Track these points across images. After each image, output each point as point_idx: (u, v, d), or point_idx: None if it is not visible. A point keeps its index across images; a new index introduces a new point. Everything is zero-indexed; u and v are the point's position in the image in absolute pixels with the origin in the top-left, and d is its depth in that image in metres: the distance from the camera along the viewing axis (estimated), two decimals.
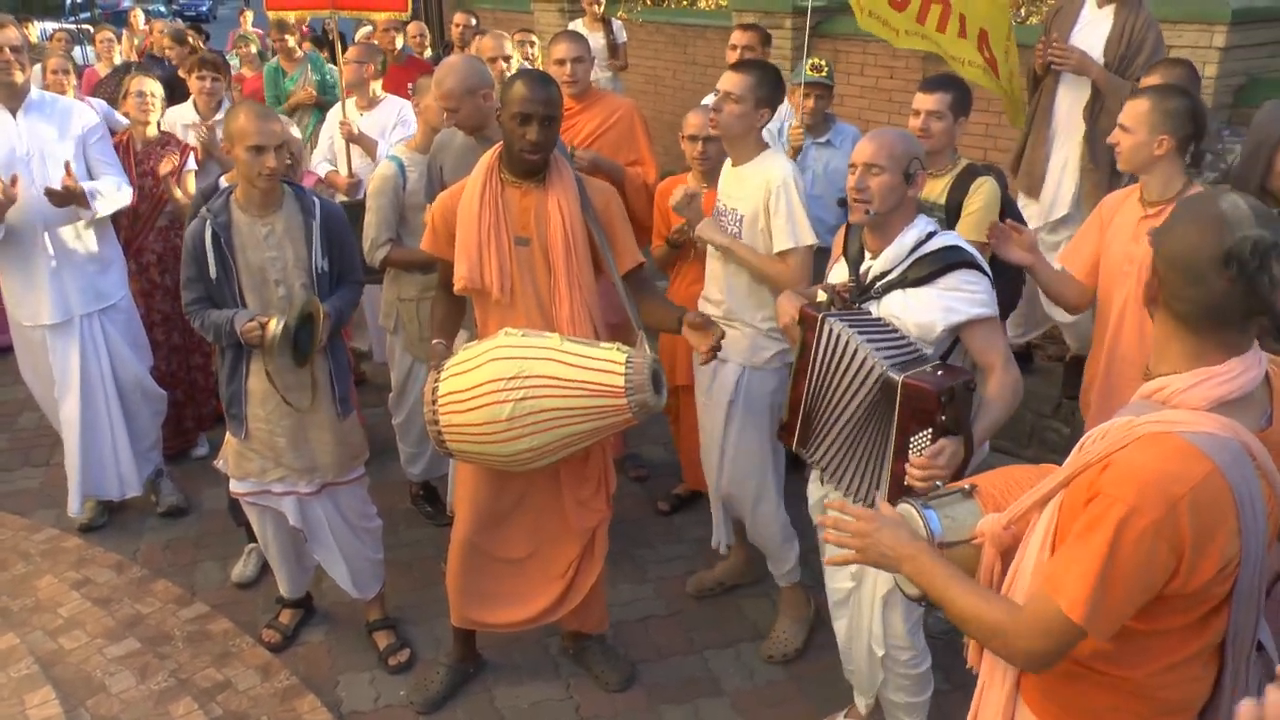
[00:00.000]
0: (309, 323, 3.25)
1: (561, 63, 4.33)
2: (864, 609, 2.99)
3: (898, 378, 2.54)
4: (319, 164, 5.18)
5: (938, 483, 2.25)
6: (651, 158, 4.47)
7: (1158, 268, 1.67)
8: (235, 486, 3.56)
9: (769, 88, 3.32)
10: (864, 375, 2.64)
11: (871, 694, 3.18)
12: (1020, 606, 1.72)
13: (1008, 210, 3.52)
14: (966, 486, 2.02)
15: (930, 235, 2.76)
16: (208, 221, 3.22)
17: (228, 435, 3.51)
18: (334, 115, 5.27)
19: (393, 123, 5.25)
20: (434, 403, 2.98)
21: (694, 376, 3.76)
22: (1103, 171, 4.47)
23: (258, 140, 3.11)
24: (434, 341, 3.16)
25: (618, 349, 2.93)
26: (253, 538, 4.00)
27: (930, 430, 2.53)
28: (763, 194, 3.32)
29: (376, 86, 5.38)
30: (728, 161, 3.50)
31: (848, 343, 2.67)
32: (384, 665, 3.69)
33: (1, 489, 4.94)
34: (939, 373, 2.56)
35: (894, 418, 2.58)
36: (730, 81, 3.32)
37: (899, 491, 2.70)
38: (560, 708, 3.50)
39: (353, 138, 5.03)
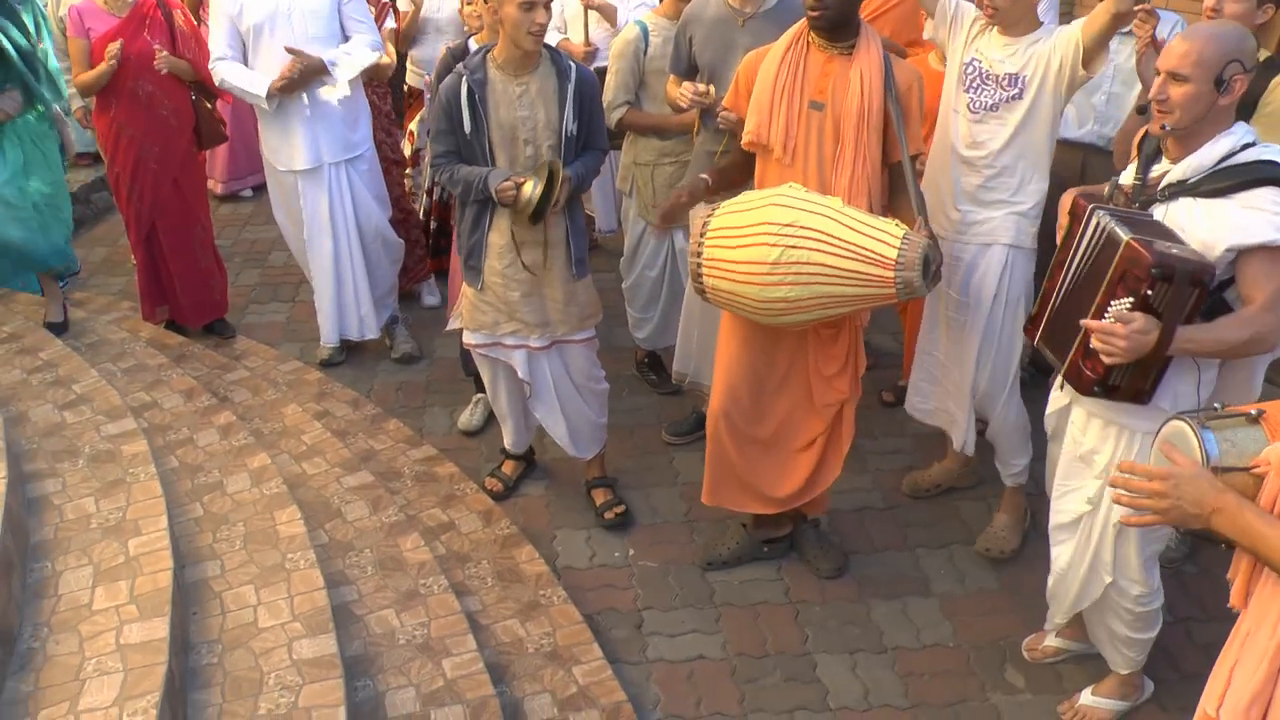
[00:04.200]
0: (549, 183, 3.26)
1: None
2: (1094, 534, 2.80)
3: (1125, 236, 2.32)
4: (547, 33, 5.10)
5: (1216, 405, 2.04)
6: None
7: None
8: (468, 338, 3.65)
9: None
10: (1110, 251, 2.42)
11: (1067, 615, 3.01)
12: None
13: None
14: (1253, 411, 1.85)
15: (1246, 146, 2.42)
16: (464, 78, 3.26)
17: (463, 287, 3.59)
18: None
19: None
20: (702, 234, 2.98)
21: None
22: None
23: None
24: (701, 177, 3.20)
25: (896, 224, 2.85)
26: (481, 388, 4.13)
27: (1131, 300, 2.34)
28: (1058, 59, 3.08)
29: None
30: (987, 28, 3.23)
31: (1112, 234, 2.43)
32: (600, 520, 3.78)
33: (254, 320, 5.28)
34: (1174, 249, 2.29)
35: (1106, 276, 2.39)
36: None
37: (1083, 349, 2.52)
38: (770, 588, 3.50)
39: (591, 4, 4.92)
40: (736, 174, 3.31)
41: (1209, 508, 1.73)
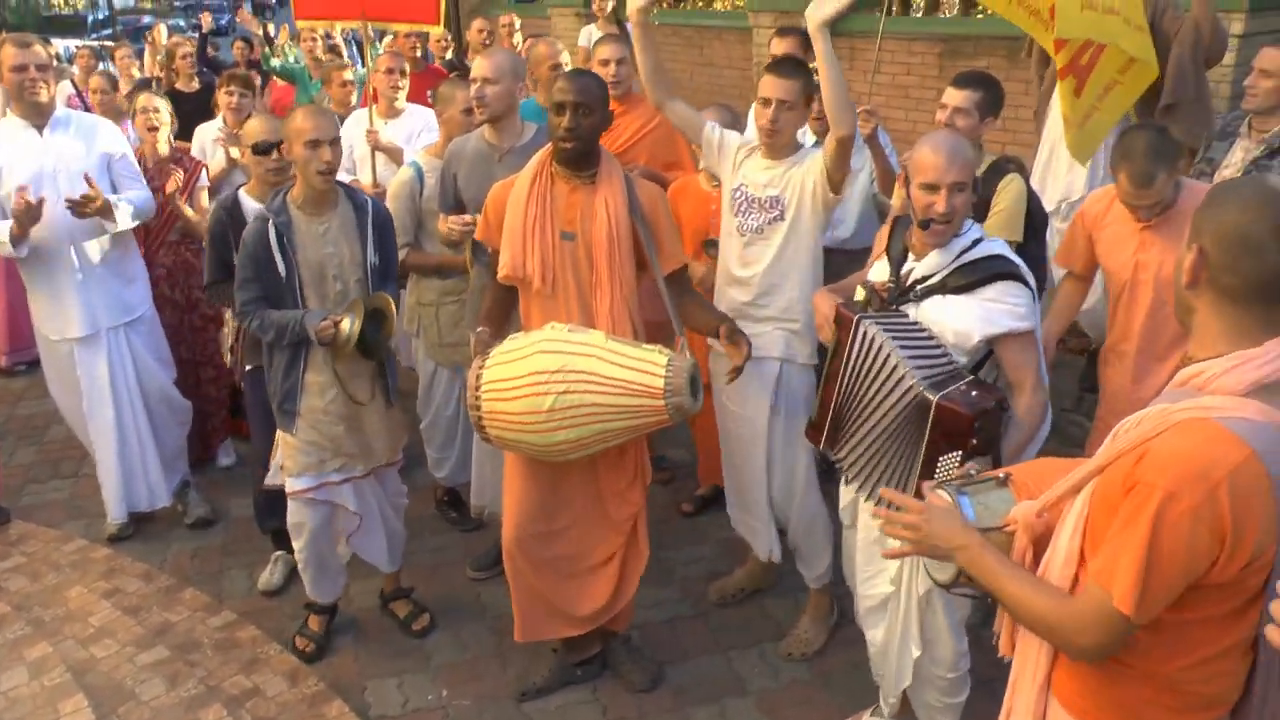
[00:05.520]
0: (376, 318, 3.37)
1: (605, 63, 4.32)
2: (901, 610, 2.96)
3: (932, 398, 2.52)
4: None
5: (971, 470, 2.25)
6: (690, 161, 4.42)
7: (1204, 247, 1.64)
8: (294, 484, 3.53)
9: (814, 89, 3.28)
10: (898, 387, 2.63)
11: (897, 694, 3.15)
12: (1072, 599, 1.71)
13: (1033, 206, 3.49)
14: (1001, 475, 2.03)
15: (976, 242, 2.70)
16: (270, 221, 3.28)
17: (279, 437, 3.55)
18: (351, 124, 5.27)
19: (419, 129, 5.22)
20: (478, 389, 3.03)
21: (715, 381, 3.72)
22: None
23: (314, 135, 3.19)
24: (479, 329, 3.21)
25: (659, 351, 2.98)
26: (279, 545, 4.03)
27: (960, 453, 2.53)
28: (810, 183, 3.27)
29: (401, 96, 5.34)
30: (751, 153, 3.44)
31: (881, 348, 2.65)
32: (409, 632, 3.83)
33: (31, 501, 4.99)
34: (973, 392, 2.52)
35: (925, 436, 2.57)
36: (781, 88, 3.25)
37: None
38: (586, 710, 3.50)
39: (379, 146, 5.02)
40: (502, 309, 3.37)
41: (954, 544, 1.87)
